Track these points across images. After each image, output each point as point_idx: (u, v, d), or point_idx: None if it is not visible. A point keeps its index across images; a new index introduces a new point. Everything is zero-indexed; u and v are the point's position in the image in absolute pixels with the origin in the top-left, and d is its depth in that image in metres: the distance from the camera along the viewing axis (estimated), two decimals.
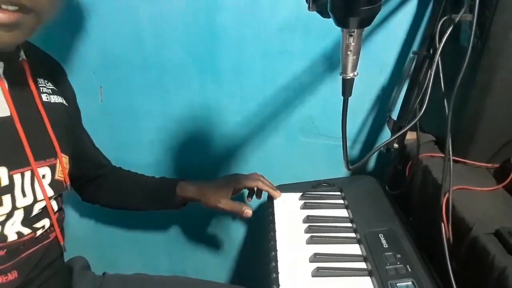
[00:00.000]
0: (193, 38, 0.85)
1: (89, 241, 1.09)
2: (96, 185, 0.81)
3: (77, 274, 0.72)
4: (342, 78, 0.43)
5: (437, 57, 0.67)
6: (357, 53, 0.41)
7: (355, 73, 0.43)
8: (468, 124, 0.71)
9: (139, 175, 0.85)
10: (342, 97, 0.45)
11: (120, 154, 0.94)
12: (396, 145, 0.78)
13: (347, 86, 0.43)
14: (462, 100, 0.67)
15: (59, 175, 0.61)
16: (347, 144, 0.92)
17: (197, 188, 0.79)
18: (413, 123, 0.67)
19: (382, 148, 0.80)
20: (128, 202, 0.83)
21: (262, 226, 0.80)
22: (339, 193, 0.84)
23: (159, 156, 0.97)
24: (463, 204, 0.61)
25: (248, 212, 0.76)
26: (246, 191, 0.86)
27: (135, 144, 0.96)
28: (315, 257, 0.66)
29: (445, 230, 0.60)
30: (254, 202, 0.85)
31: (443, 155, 0.74)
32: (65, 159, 0.62)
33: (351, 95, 0.45)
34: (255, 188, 0.82)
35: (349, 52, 0.41)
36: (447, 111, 0.66)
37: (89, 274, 0.76)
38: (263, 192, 0.83)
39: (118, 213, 0.96)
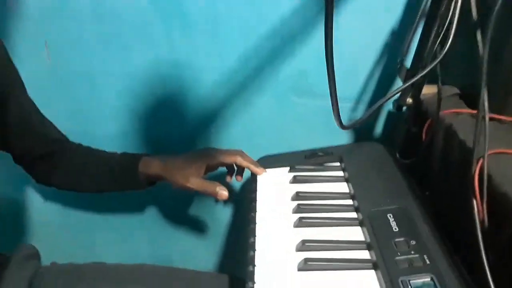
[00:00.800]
0: None
1: (60, 226, 0.98)
2: (48, 164, 0.70)
3: (13, 267, 0.61)
4: None
5: None
6: None
7: None
8: (506, 71, 0.56)
9: (100, 152, 0.74)
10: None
11: (78, 125, 0.82)
12: (409, 100, 0.62)
13: None
14: (499, 37, 0.51)
15: None
16: (348, 105, 0.79)
17: (163, 164, 0.68)
18: (432, 65, 0.50)
19: (392, 106, 0.64)
20: (85, 183, 0.72)
21: (248, 205, 0.66)
22: (338, 163, 0.70)
23: (125, 126, 0.83)
24: (503, 174, 0.45)
25: (223, 193, 0.64)
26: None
27: (95, 113, 0.82)
28: (303, 245, 0.52)
29: (479, 209, 0.44)
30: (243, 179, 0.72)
31: (472, 111, 0.59)
32: None
33: None
34: (235, 166, 0.70)
35: None
36: (481, 51, 0.49)
37: (31, 265, 0.65)
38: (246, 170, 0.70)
39: (88, 194, 0.84)
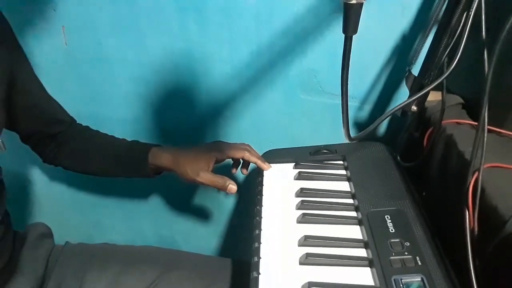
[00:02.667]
0: None
1: (69, 203, 1.01)
2: (55, 145, 0.71)
3: (29, 245, 0.63)
4: (344, 3, 0.29)
5: None
6: None
7: None
8: (509, 86, 0.57)
9: (108, 137, 0.74)
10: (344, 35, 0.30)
11: (91, 108, 0.83)
12: (414, 108, 0.64)
13: (351, 17, 0.29)
14: (506, 55, 0.52)
15: None
16: (355, 104, 0.80)
17: (172, 156, 0.68)
18: (439, 81, 0.52)
19: (397, 112, 0.66)
20: (93, 166, 0.73)
21: (253, 195, 0.69)
22: (341, 162, 0.72)
23: (136, 112, 0.85)
24: (497, 188, 0.48)
25: (232, 188, 0.65)
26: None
27: (108, 97, 0.84)
28: (306, 241, 0.55)
29: (470, 219, 0.47)
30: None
31: (473, 123, 0.61)
32: None
33: (356, 32, 0.31)
34: (241, 160, 0.71)
35: None
36: (486, 67, 0.51)
37: (46, 244, 0.68)
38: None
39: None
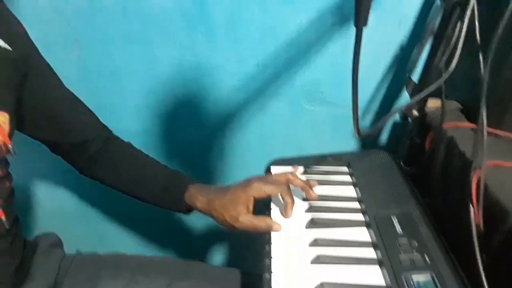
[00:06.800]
0: None
1: (73, 214, 1.02)
2: (88, 158, 0.68)
3: (41, 253, 0.63)
4: None
5: (473, 2, 0.54)
6: None
7: None
8: (505, 89, 0.60)
9: (148, 161, 0.70)
10: (355, 28, 0.33)
11: (101, 118, 0.84)
12: (415, 113, 0.66)
13: (362, 8, 0.31)
14: (499, 59, 0.55)
15: None
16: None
17: (208, 200, 0.63)
18: (438, 84, 0.55)
19: (398, 117, 0.68)
20: (127, 189, 0.69)
21: (260, 203, 0.70)
22: (346, 168, 0.74)
23: (145, 123, 0.87)
24: (498, 184, 0.50)
25: (277, 228, 0.59)
26: None
27: (117, 109, 0.86)
28: (316, 242, 0.57)
29: (475, 214, 0.49)
30: (252, 167, 0.73)
31: (472, 125, 0.64)
32: (2, 117, 0.52)
33: (366, 24, 0.33)
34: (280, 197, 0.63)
35: None
36: (482, 71, 0.53)
37: (57, 253, 0.68)
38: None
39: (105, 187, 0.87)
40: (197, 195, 0.64)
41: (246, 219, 0.59)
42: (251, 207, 0.60)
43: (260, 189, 0.60)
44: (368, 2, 0.31)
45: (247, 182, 0.61)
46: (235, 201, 0.60)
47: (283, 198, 0.61)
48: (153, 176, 0.68)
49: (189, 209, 0.66)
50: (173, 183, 0.66)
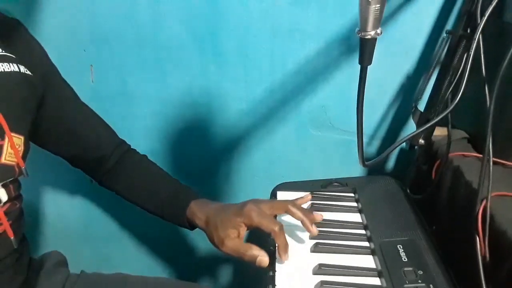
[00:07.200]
0: (194, 13, 0.76)
1: (79, 235, 1.02)
2: (106, 171, 0.70)
3: (46, 272, 0.64)
4: (361, 39, 0.33)
5: (478, 35, 0.55)
6: (381, 1, 0.30)
7: (378, 31, 0.32)
8: (510, 120, 0.60)
9: (161, 174, 0.71)
10: (360, 66, 0.34)
11: None
12: (421, 141, 0.67)
13: (366, 49, 0.33)
14: (505, 90, 0.56)
15: (7, 159, 0.53)
16: (364, 140, 0.84)
17: (205, 217, 0.61)
18: (444, 114, 0.55)
19: (404, 144, 0.69)
20: (139, 201, 0.70)
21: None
22: (352, 194, 0.74)
23: (155, 145, 0.89)
24: (504, 214, 0.50)
25: (263, 260, 0.53)
26: None
27: (129, 130, 0.87)
28: (320, 269, 0.56)
29: (481, 245, 0.49)
30: (259, 191, 0.75)
31: (478, 155, 0.64)
32: (17, 139, 0.53)
33: (371, 63, 0.34)
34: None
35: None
36: (488, 102, 0.54)
37: (62, 272, 0.69)
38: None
39: (111, 207, 0.89)
40: (196, 212, 0.62)
41: (232, 244, 0.55)
42: (242, 233, 0.56)
43: (251, 219, 0.55)
44: (372, 44, 0.33)
45: (242, 206, 0.57)
46: (225, 223, 0.56)
47: (274, 239, 0.56)
48: (163, 189, 0.68)
49: (191, 225, 0.65)
50: (178, 198, 0.66)
